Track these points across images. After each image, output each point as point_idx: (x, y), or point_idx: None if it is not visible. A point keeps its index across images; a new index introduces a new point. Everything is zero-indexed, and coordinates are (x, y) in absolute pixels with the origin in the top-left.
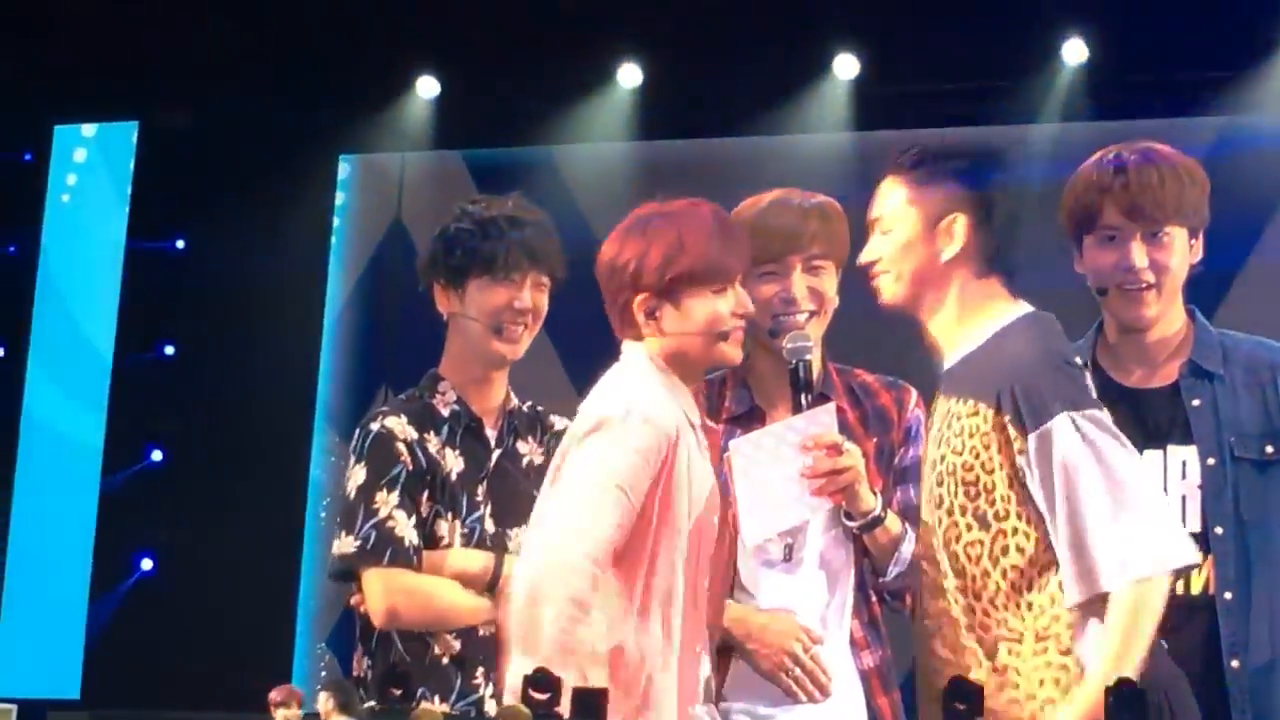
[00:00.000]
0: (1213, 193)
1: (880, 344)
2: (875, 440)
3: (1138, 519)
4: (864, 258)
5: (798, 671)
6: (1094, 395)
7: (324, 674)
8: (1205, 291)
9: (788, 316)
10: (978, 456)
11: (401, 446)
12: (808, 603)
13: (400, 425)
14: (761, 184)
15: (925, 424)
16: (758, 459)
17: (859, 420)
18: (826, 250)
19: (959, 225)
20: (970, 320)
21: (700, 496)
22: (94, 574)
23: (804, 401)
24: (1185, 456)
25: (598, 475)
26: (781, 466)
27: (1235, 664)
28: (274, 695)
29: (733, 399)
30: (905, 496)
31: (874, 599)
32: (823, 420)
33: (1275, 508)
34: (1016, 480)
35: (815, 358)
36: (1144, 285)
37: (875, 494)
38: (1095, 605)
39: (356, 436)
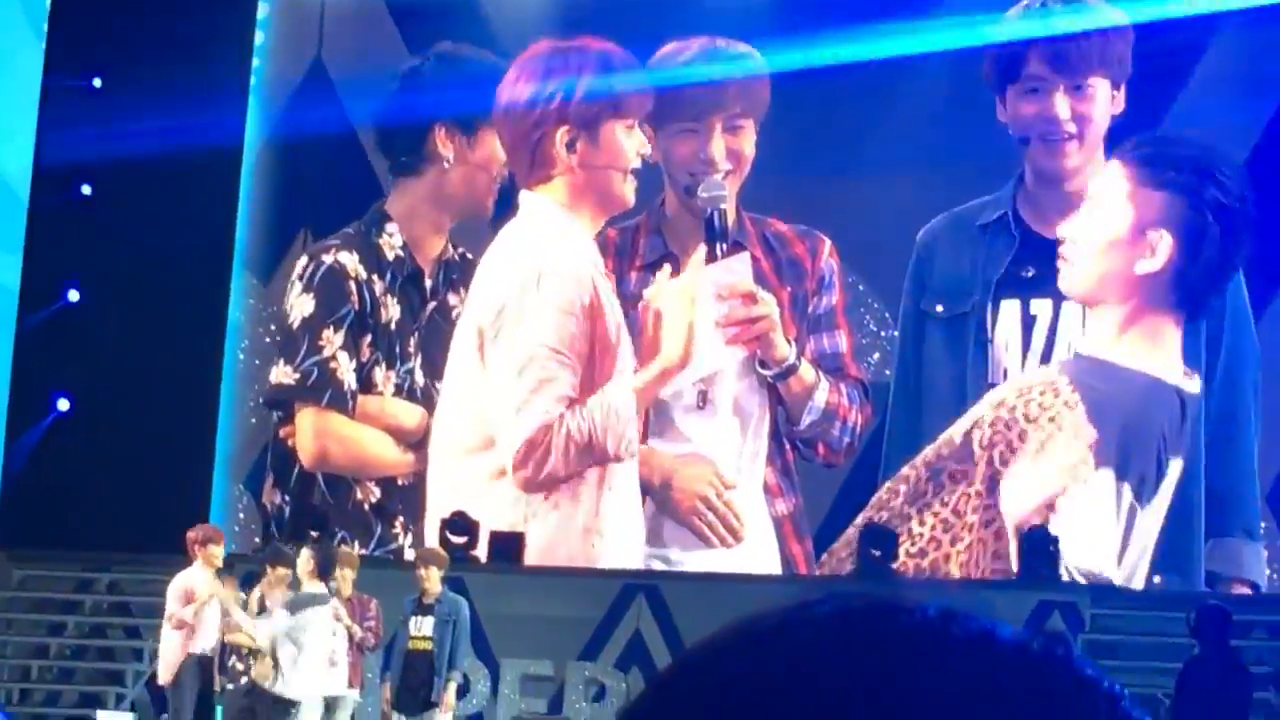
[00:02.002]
0: (1136, 44)
1: (797, 198)
2: (789, 289)
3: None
4: (1063, 230)
5: (711, 516)
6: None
7: (241, 514)
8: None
9: (706, 177)
10: (1034, 422)
11: (353, 285)
12: (721, 449)
13: (353, 263)
14: (683, 30)
15: (838, 273)
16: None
17: (773, 269)
18: (747, 108)
19: (1164, 244)
20: (1128, 348)
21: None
22: (10, 415)
23: (719, 250)
24: None
25: (532, 349)
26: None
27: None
28: (192, 534)
29: (646, 246)
30: (819, 345)
31: (788, 447)
32: (737, 269)
33: None
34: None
35: (730, 208)
36: (1065, 136)
37: (790, 342)
38: None
39: (305, 266)
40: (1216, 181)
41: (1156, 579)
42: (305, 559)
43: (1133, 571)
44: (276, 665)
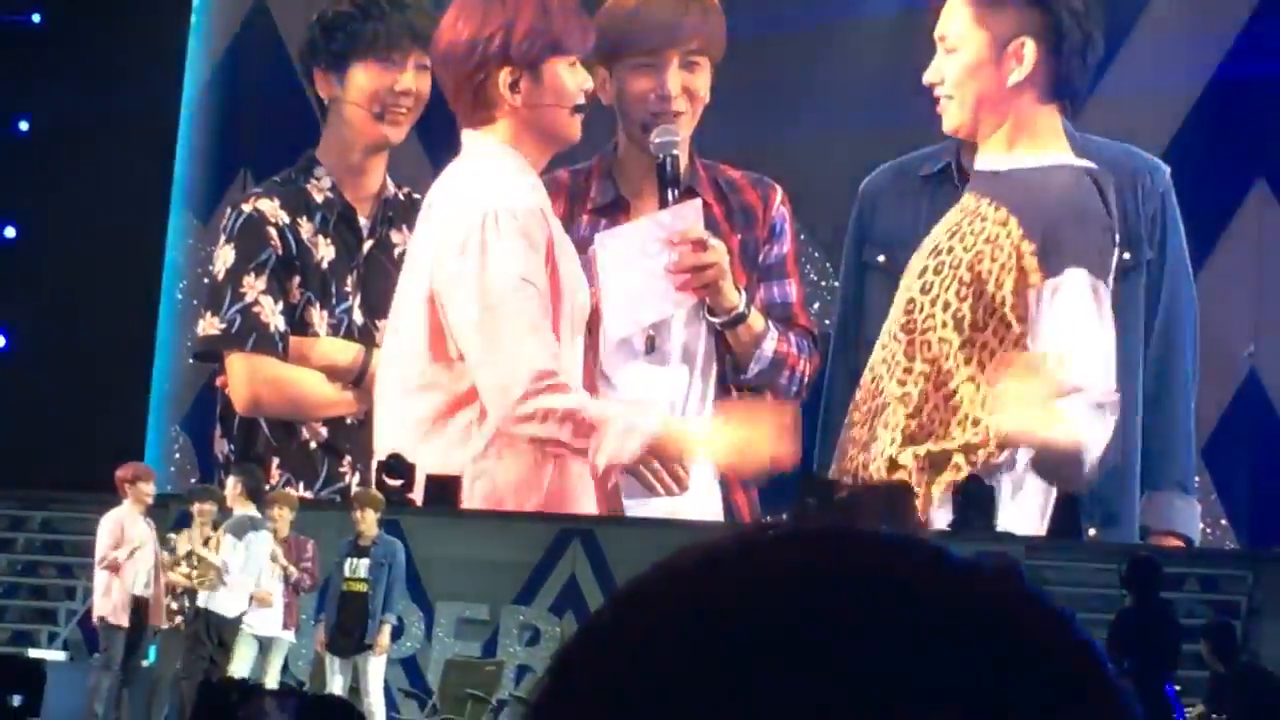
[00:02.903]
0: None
1: (740, 146)
2: (739, 237)
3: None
4: (928, 77)
5: (656, 464)
6: (1111, 266)
7: (177, 456)
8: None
9: (662, 113)
10: (981, 262)
11: (272, 230)
12: (669, 396)
13: (272, 208)
14: None
15: (790, 222)
16: (623, 253)
17: (724, 216)
18: (704, 45)
19: (1028, 49)
20: (1021, 146)
21: (572, 273)
22: None
23: (670, 196)
24: None
25: (503, 283)
26: (646, 261)
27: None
28: (121, 472)
29: (598, 190)
30: (769, 294)
31: (735, 395)
32: (688, 216)
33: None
34: (1004, 302)
35: (683, 153)
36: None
37: (739, 290)
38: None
39: (227, 216)
40: None
41: (1091, 531)
42: (232, 484)
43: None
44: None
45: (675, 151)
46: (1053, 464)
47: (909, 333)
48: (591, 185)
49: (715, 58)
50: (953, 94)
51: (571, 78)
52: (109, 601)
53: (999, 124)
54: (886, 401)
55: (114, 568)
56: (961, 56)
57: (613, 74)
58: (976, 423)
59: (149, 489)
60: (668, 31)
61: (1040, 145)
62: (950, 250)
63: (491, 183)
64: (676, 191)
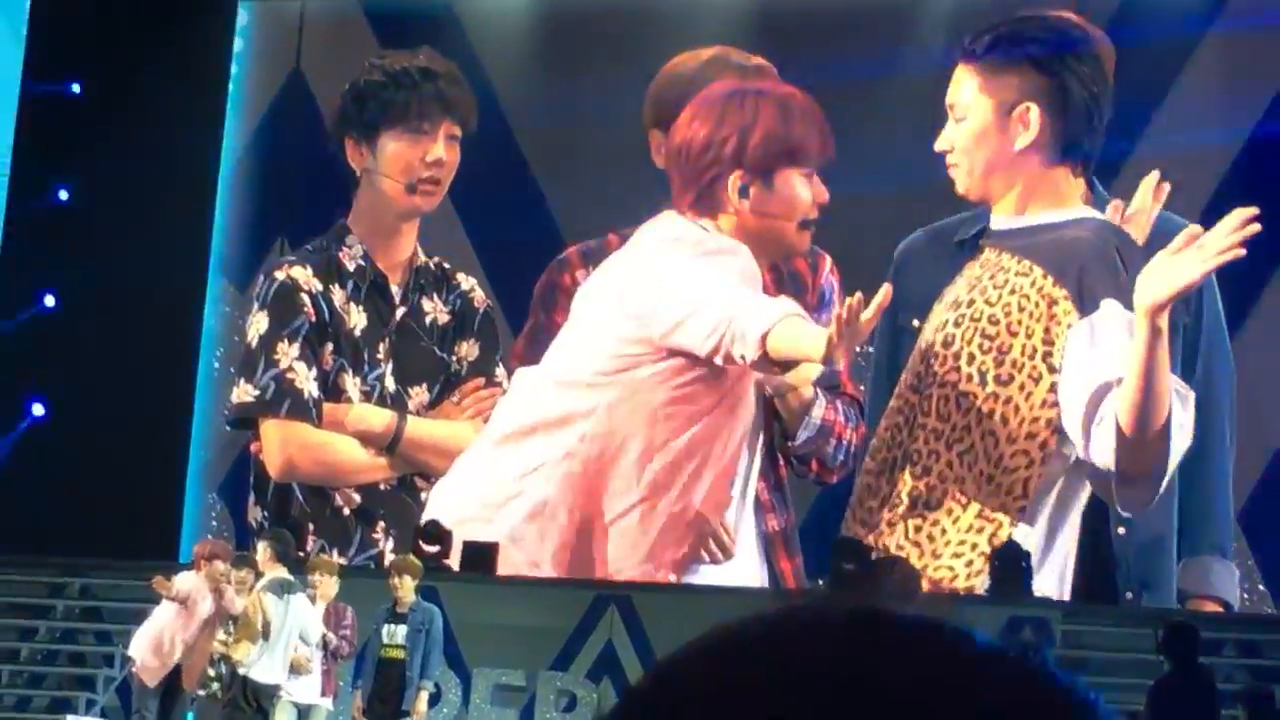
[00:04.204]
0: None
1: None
2: None
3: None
4: (939, 146)
5: (704, 533)
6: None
7: (214, 523)
8: (1102, 164)
9: None
10: (1009, 314)
11: (305, 298)
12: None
13: (305, 276)
14: (668, 41)
15: (838, 290)
16: None
17: (774, 283)
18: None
19: (1033, 114)
20: (1034, 208)
21: None
22: None
23: None
24: None
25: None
26: None
27: (1121, 531)
28: (199, 548)
29: None
30: None
31: (781, 462)
32: None
33: None
34: (1034, 352)
35: None
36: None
37: None
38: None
39: (260, 284)
40: (1052, 34)
41: (1128, 595)
42: (262, 548)
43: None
44: (261, 642)
45: None
46: (1140, 441)
47: (928, 385)
48: None
49: None
50: (961, 161)
51: (805, 189)
52: (154, 660)
53: (1009, 188)
54: (900, 455)
55: (182, 601)
56: (969, 124)
57: (668, 138)
58: (991, 480)
59: (224, 568)
60: None
61: (1053, 204)
62: (971, 303)
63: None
64: None
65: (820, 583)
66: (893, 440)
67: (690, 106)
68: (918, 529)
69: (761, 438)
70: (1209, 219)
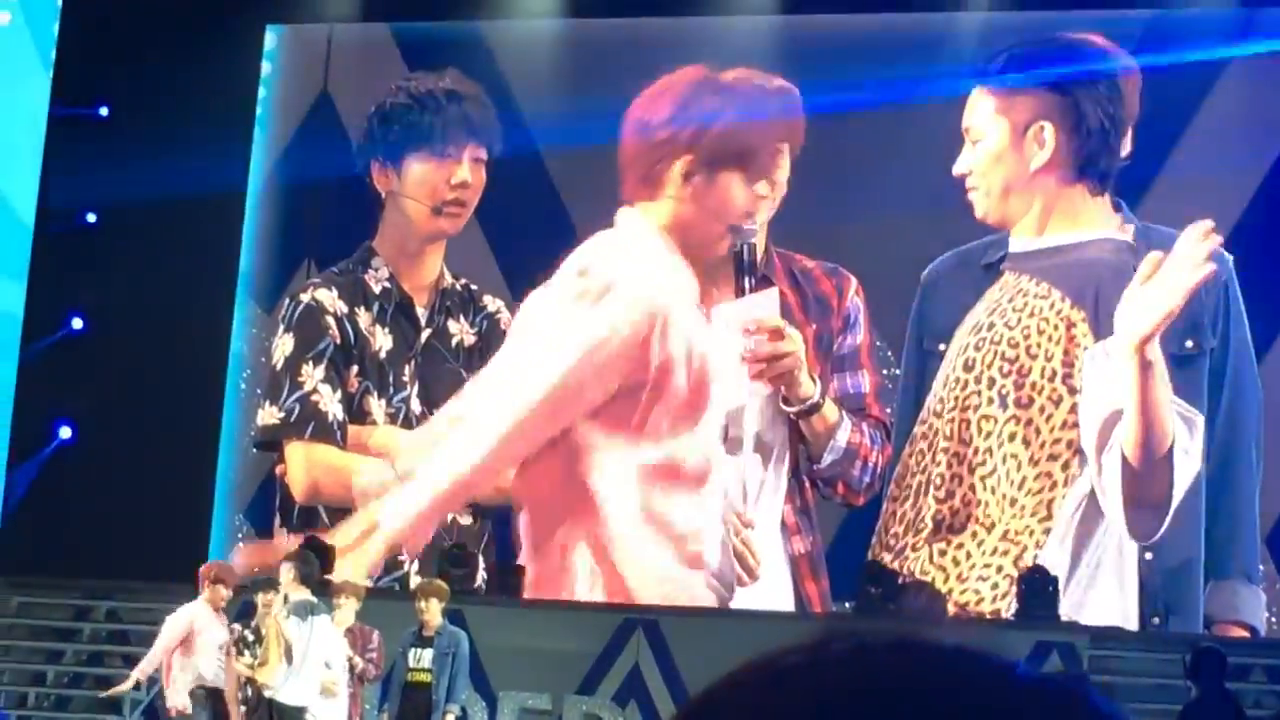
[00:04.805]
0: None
1: (811, 227)
2: (815, 326)
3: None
4: (957, 169)
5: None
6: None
7: (242, 545)
8: (1129, 186)
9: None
10: (1028, 337)
11: (330, 320)
12: (741, 485)
13: (330, 298)
14: (694, 63)
15: (864, 313)
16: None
17: (800, 305)
18: (785, 134)
19: (1048, 133)
20: (1052, 228)
21: (700, 370)
22: (12, 442)
23: (747, 285)
24: None
25: (576, 347)
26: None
27: (1148, 555)
28: (204, 569)
29: None
30: (843, 385)
31: (807, 485)
32: (765, 304)
33: None
34: (1054, 375)
35: (760, 241)
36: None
37: (815, 380)
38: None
39: (286, 306)
40: (1067, 54)
41: (1155, 620)
42: (286, 570)
43: None
44: (285, 664)
45: (753, 240)
46: (1143, 465)
47: (950, 409)
48: None
49: (796, 145)
50: (980, 184)
51: (743, 194)
52: (177, 693)
53: (1027, 208)
54: (924, 479)
55: (169, 658)
56: (985, 146)
57: (626, 113)
58: (1014, 502)
59: (226, 594)
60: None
61: (1071, 224)
62: (992, 327)
63: (621, 259)
64: (753, 280)
65: (847, 606)
66: (916, 464)
67: (661, 81)
68: (942, 553)
69: (787, 460)
70: (1238, 240)
